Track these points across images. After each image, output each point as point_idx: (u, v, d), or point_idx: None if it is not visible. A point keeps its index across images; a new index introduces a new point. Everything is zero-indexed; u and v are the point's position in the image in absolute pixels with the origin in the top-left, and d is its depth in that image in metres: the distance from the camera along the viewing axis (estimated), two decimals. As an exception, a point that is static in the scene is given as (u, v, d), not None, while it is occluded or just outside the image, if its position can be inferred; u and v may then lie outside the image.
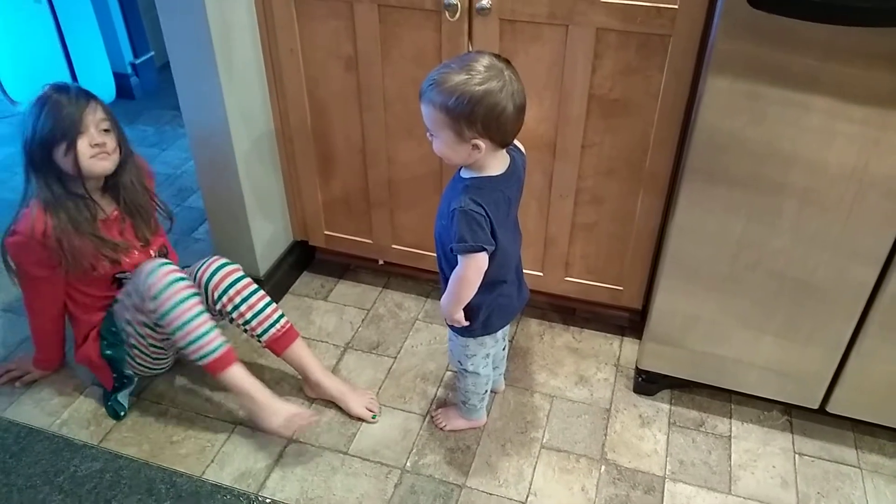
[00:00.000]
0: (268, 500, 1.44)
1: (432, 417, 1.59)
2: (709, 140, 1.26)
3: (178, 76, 1.60)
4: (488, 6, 1.41)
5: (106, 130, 1.42)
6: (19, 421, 1.60)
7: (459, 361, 1.45)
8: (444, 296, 1.31)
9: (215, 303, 1.51)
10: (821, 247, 1.30)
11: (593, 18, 1.37)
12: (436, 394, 1.67)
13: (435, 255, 1.35)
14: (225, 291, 1.51)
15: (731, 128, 1.23)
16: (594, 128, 1.51)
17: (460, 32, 1.47)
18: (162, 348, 1.54)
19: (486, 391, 1.53)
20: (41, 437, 1.56)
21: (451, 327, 1.39)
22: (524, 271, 1.73)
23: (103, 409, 1.63)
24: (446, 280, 1.31)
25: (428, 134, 1.21)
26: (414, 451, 1.54)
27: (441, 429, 1.57)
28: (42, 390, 1.68)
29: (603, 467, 1.51)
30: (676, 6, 1.31)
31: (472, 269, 1.23)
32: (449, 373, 1.71)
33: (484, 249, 1.20)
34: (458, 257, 1.23)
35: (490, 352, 1.45)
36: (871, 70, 1.11)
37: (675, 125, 1.45)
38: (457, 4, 1.42)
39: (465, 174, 1.24)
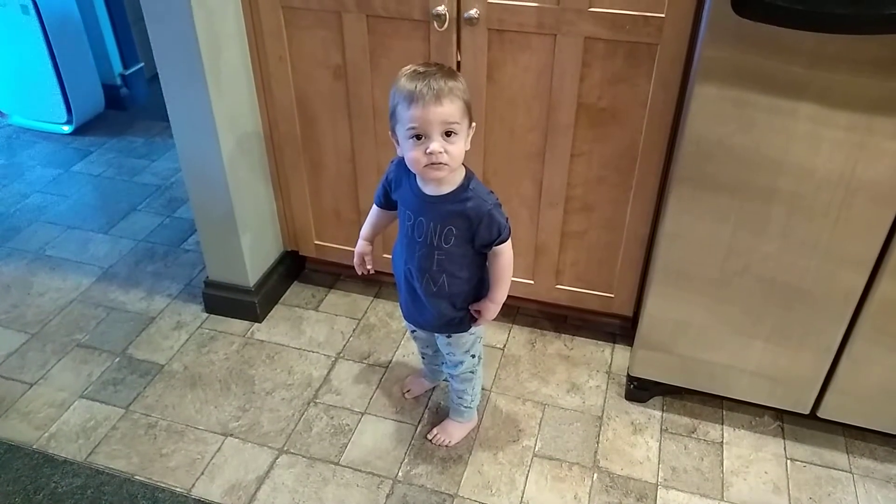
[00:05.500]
0: (259, 513, 1.43)
1: (432, 441, 1.57)
2: (697, 147, 1.27)
3: (167, 86, 1.60)
4: (476, 16, 1.41)
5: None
6: (0, 437, 1.58)
7: (472, 356, 1.45)
8: (498, 292, 1.32)
9: None
10: (809, 252, 1.31)
11: (581, 27, 1.38)
12: (427, 403, 1.67)
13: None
14: None
15: (718, 135, 1.24)
16: (583, 136, 1.52)
17: (449, 42, 1.48)
18: None
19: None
20: (20, 453, 1.54)
21: (458, 327, 1.38)
22: (516, 279, 1.74)
23: (92, 422, 1.61)
24: (454, 301, 1.32)
25: (441, 145, 1.15)
26: (406, 460, 1.53)
27: (447, 445, 1.56)
28: (30, 403, 1.66)
29: (595, 475, 1.51)
30: (663, 15, 1.32)
31: (511, 245, 1.28)
32: (441, 382, 1.70)
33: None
34: (500, 247, 1.27)
35: None
36: (856, 76, 1.12)
37: (664, 133, 1.45)
38: (445, 15, 1.43)
39: (446, 189, 1.24)
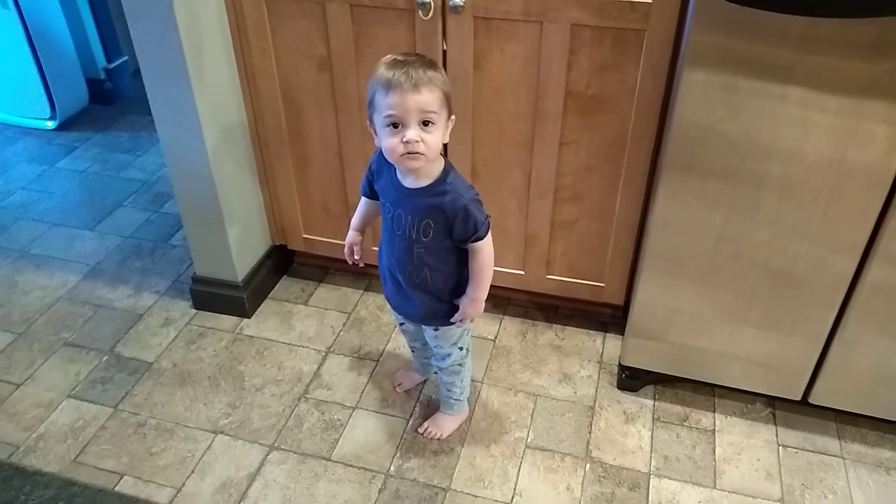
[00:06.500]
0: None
1: (423, 435, 1.56)
2: (686, 134, 1.26)
3: (149, 81, 1.57)
4: (461, 4, 1.39)
5: None
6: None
7: (460, 348, 1.44)
8: (477, 290, 1.30)
9: None
10: (800, 238, 1.30)
11: (568, 14, 1.36)
12: (418, 397, 1.66)
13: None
14: None
15: (708, 121, 1.23)
16: (571, 125, 1.50)
17: (434, 32, 1.46)
18: None
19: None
20: (-13, 466, 1.50)
21: (445, 319, 1.36)
22: (506, 270, 1.73)
23: (81, 422, 1.60)
24: (439, 294, 1.31)
25: (418, 133, 1.13)
26: (398, 455, 1.53)
27: (439, 439, 1.55)
28: (17, 404, 1.64)
29: (588, 465, 1.50)
30: (650, 0, 1.31)
31: (490, 242, 1.26)
32: (432, 376, 1.70)
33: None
34: (478, 244, 1.24)
35: None
36: (845, 60, 1.11)
37: (653, 120, 1.44)
38: (430, 3, 1.41)
39: (424, 182, 1.22)
